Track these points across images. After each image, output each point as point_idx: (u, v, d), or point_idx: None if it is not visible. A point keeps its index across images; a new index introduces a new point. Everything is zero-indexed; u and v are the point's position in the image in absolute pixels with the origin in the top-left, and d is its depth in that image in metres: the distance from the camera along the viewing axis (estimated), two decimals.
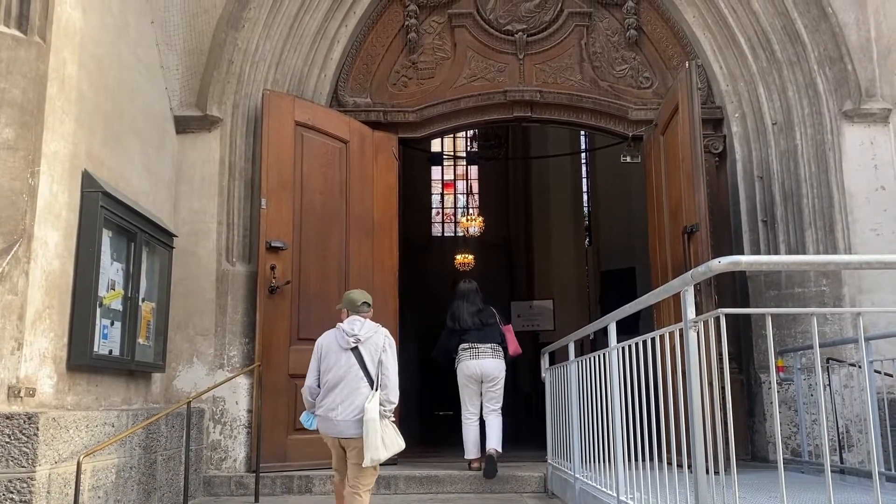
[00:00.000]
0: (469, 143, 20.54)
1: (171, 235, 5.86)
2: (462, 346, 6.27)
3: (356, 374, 4.19)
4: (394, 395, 4.23)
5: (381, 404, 4.13)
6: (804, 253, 6.34)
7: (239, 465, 6.02)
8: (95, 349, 4.63)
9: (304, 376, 6.04)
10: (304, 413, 4.49)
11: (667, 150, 6.48)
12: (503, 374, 6.26)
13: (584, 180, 18.30)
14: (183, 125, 6.31)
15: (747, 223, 6.82)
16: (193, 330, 6.13)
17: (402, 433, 4.35)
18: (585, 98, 7.15)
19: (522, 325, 14.09)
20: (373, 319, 4.45)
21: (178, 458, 5.33)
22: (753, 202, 6.78)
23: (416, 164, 17.35)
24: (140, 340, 5.32)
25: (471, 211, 21.13)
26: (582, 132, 17.80)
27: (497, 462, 5.90)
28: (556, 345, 5.81)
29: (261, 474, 5.66)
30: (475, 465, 6.07)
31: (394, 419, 4.30)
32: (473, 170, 22.20)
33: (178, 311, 6.03)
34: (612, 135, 7.38)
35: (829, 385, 5.66)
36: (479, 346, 6.21)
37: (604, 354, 3.87)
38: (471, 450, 6.18)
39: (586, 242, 17.64)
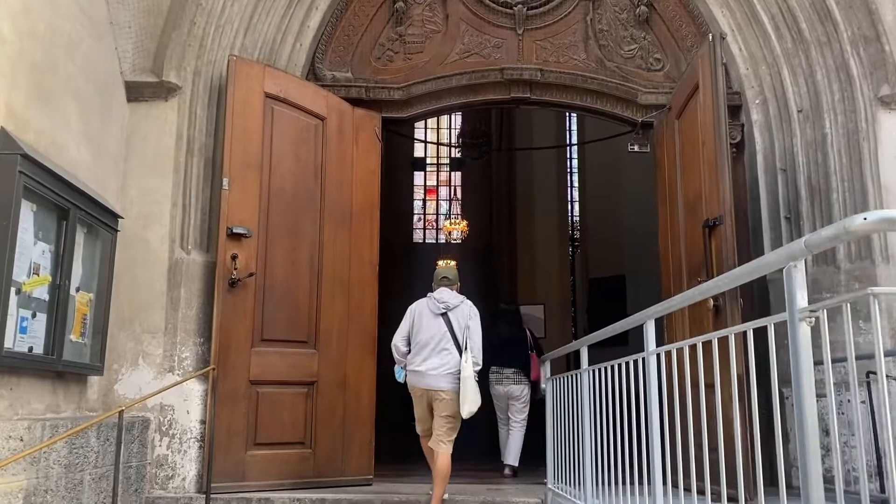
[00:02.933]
0: (455, 143, 19.79)
1: (115, 216, 5.05)
2: (492, 367, 6.93)
3: (445, 335, 4.93)
4: (479, 357, 4.97)
5: None
6: (833, 251, 5.65)
7: (188, 485, 5.18)
8: (9, 345, 3.81)
9: (267, 382, 5.42)
10: (396, 367, 5.21)
11: (683, 135, 5.79)
12: (526, 392, 7.03)
13: (570, 190, 17.73)
14: (135, 92, 5.49)
15: (768, 220, 6.12)
16: (140, 327, 5.30)
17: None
18: (591, 79, 6.43)
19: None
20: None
21: (113, 478, 4.49)
22: (775, 197, 6.09)
23: (398, 170, 16.75)
24: (72, 337, 4.49)
25: (453, 217, 20.39)
26: (568, 130, 17.34)
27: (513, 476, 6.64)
28: (561, 351, 5.06)
29: (213, 495, 4.87)
30: (507, 471, 6.65)
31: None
32: (456, 176, 21.48)
33: (123, 305, 5.21)
34: (620, 120, 6.65)
35: (868, 402, 4.98)
36: (504, 370, 7.01)
37: (636, 361, 3.11)
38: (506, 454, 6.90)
39: (569, 249, 17.05)
